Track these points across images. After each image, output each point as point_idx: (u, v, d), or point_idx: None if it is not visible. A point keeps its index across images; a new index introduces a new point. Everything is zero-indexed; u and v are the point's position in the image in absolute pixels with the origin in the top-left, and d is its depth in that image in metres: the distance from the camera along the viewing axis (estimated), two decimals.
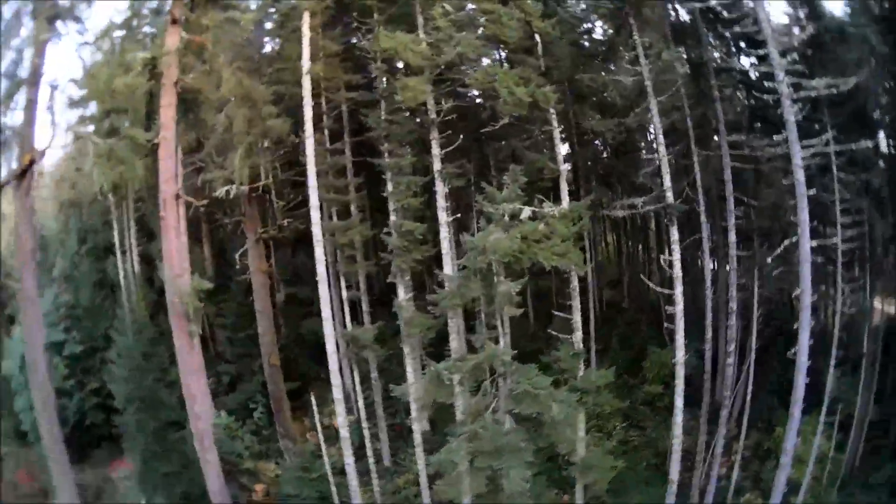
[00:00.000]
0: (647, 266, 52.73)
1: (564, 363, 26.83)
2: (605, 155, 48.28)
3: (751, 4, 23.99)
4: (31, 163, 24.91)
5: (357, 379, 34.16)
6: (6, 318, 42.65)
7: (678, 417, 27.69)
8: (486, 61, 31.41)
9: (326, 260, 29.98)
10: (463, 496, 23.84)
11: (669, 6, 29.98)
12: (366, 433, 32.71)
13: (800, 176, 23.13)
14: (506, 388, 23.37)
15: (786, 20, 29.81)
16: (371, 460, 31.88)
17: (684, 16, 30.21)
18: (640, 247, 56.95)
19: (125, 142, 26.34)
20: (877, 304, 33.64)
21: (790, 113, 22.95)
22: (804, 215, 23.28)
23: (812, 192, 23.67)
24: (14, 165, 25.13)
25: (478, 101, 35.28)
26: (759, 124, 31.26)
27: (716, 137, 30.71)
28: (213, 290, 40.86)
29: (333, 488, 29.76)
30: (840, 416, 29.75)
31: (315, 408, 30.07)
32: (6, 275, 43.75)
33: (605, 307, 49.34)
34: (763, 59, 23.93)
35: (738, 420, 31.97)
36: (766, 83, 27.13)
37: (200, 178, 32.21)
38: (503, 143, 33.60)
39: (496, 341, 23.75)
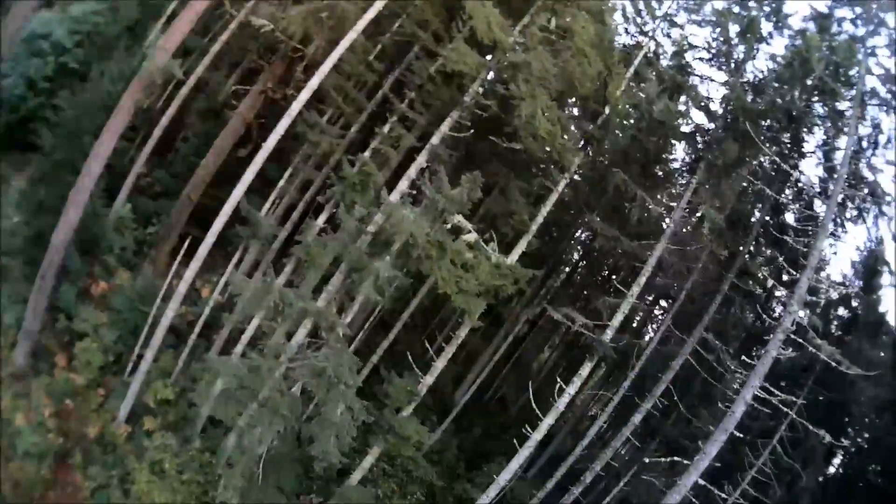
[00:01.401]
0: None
1: (394, 393, 23.65)
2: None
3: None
4: None
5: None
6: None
7: None
8: None
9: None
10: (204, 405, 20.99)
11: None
12: (207, 309, 29.37)
13: (738, 409, 21.02)
14: (312, 357, 20.36)
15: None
16: (195, 339, 28.79)
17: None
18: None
19: None
20: None
21: (775, 345, 21.02)
22: (712, 448, 21.01)
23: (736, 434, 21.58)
24: None
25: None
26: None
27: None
28: (212, 114, 39.41)
29: (147, 327, 27.18)
30: None
31: (181, 255, 27.78)
32: None
33: (497, 400, 46.29)
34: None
35: None
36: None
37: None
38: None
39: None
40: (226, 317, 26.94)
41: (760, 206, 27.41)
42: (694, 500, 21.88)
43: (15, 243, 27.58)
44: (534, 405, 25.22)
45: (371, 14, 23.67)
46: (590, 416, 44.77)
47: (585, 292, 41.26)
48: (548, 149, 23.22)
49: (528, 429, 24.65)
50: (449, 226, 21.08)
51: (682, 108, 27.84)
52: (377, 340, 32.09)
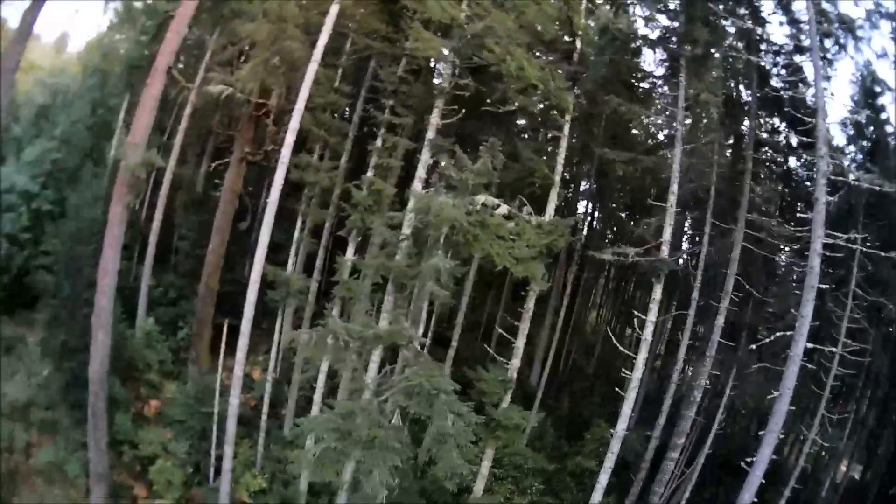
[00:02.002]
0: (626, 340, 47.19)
1: (487, 386, 22.03)
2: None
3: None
4: None
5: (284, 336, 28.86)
6: None
7: (597, 496, 22.93)
8: None
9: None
10: (305, 470, 19.18)
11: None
12: (267, 387, 28.00)
13: (815, 263, 19.01)
14: (402, 378, 18.72)
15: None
16: (265, 420, 27.54)
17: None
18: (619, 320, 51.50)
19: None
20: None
21: (822, 192, 19.05)
22: (808, 309, 18.97)
23: (824, 286, 19.97)
24: None
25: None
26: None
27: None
28: (195, 205, 37.85)
29: (214, 427, 25.85)
30: None
31: (223, 346, 26.22)
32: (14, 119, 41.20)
33: (571, 369, 43.86)
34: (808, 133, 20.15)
35: None
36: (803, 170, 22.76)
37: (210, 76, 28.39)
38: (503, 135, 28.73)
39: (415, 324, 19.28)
40: (295, 379, 25.39)
41: (748, 80, 26.13)
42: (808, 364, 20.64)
43: (53, 395, 26.09)
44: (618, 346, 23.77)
45: (323, 41, 22.57)
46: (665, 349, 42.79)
47: (615, 229, 39.50)
48: (539, 97, 22.01)
49: (626, 370, 23.01)
50: (479, 206, 19.71)
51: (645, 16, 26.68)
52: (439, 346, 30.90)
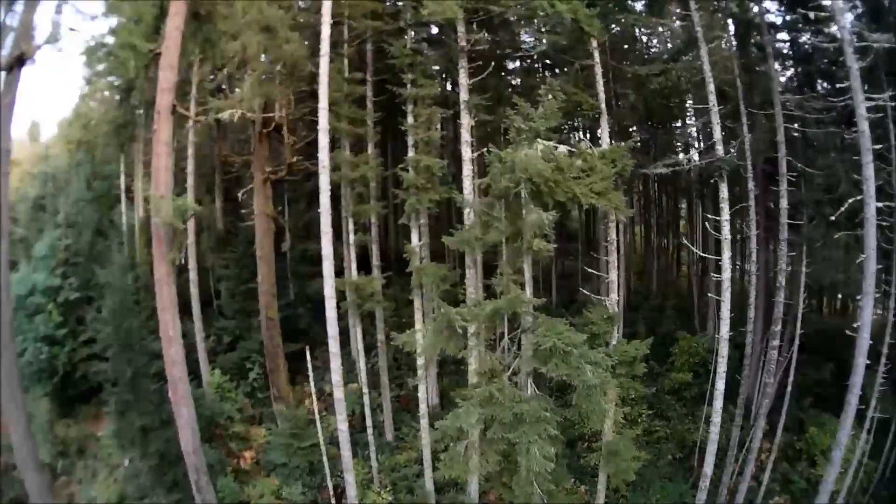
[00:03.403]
0: (678, 255, 45.25)
1: (598, 327, 19.84)
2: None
3: None
4: (21, 59, 19.23)
5: (360, 338, 26.79)
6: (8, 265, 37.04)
7: (718, 403, 21.14)
8: None
9: (338, 206, 23.91)
10: (470, 474, 17.00)
11: None
12: (366, 399, 25.74)
13: (864, 127, 18.07)
14: (529, 345, 16.43)
15: None
16: (371, 433, 25.17)
17: None
18: (669, 235, 48.54)
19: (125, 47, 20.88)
20: None
21: (853, 60, 18.04)
22: (869, 171, 18.13)
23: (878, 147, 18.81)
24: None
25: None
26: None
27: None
28: (222, 243, 35.77)
29: (325, 459, 23.38)
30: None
31: (311, 369, 23.61)
32: (12, 220, 38.15)
33: (632, 295, 40.71)
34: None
35: (767, 417, 24.60)
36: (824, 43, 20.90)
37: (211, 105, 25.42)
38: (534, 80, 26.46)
39: (521, 287, 16.89)
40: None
41: None
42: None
43: (144, 483, 23.59)
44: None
45: (327, 32, 20.05)
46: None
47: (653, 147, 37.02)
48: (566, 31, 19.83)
49: (716, 273, 21.09)
50: (555, 151, 17.47)
51: None
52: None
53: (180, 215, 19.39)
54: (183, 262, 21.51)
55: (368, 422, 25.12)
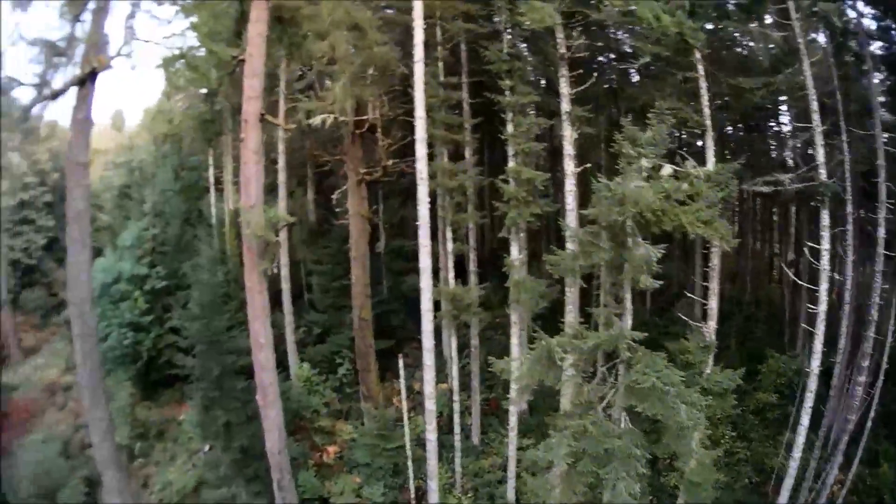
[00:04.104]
0: (772, 261, 43.37)
1: (693, 356, 19.38)
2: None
3: None
4: (93, 72, 18.68)
5: (454, 345, 26.58)
6: (93, 252, 37.97)
7: (801, 438, 20.38)
8: None
9: (434, 209, 23.34)
10: (551, 499, 16.66)
11: None
12: (456, 406, 25.50)
13: None
14: (626, 379, 15.98)
15: None
16: (457, 436, 24.96)
17: None
18: (763, 239, 46.42)
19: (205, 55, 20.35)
20: None
21: None
22: None
23: None
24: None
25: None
26: None
27: None
28: (314, 236, 35.82)
29: (410, 462, 23.45)
30: None
31: (402, 371, 23.54)
32: (97, 208, 39.01)
33: (724, 301, 39.87)
34: None
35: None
36: None
37: (301, 109, 25.20)
38: (637, 91, 25.40)
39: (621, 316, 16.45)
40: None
41: None
42: None
43: (224, 472, 23.82)
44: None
45: (420, 37, 19.42)
46: None
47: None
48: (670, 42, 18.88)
49: (811, 306, 20.12)
50: (664, 179, 16.80)
51: None
52: None
53: (271, 227, 18.93)
54: (276, 270, 21.32)
55: (456, 426, 24.90)
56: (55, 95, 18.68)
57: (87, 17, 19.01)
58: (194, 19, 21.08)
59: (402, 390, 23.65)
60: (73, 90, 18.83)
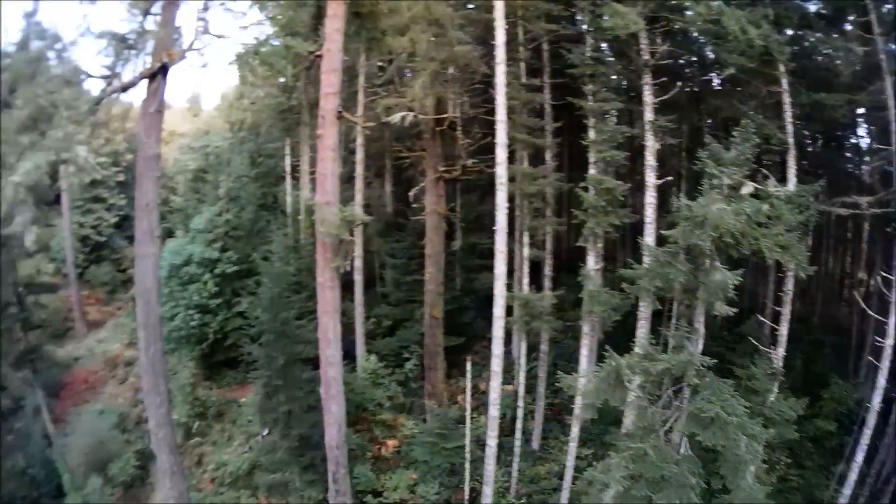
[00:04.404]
0: (842, 282, 41.46)
1: (759, 383, 19.06)
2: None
3: None
4: (164, 67, 18.65)
5: (524, 348, 26.15)
6: (165, 232, 38.80)
7: (853, 474, 20.05)
8: None
9: (512, 212, 22.99)
10: None
11: None
12: (520, 412, 25.30)
13: None
14: (691, 406, 15.67)
15: None
16: (518, 440, 24.83)
17: None
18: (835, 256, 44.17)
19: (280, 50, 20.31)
20: None
21: None
22: None
23: None
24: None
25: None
26: None
27: None
28: (390, 228, 35.87)
29: (467, 464, 23.34)
30: None
31: (469, 374, 23.61)
32: (171, 190, 39.95)
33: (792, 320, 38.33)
34: None
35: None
36: None
37: (380, 104, 25.34)
38: (721, 101, 24.53)
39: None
40: (540, 393, 23.66)
41: None
42: None
43: (280, 458, 24.20)
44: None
45: (502, 38, 19.29)
46: None
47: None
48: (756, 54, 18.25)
49: (879, 339, 19.31)
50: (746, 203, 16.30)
51: None
52: None
53: (346, 226, 18.86)
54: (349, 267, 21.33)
55: (518, 430, 24.80)
56: (125, 88, 18.68)
57: (156, 9, 18.72)
58: (270, 12, 21.18)
59: (467, 393, 23.67)
60: (143, 83, 18.73)
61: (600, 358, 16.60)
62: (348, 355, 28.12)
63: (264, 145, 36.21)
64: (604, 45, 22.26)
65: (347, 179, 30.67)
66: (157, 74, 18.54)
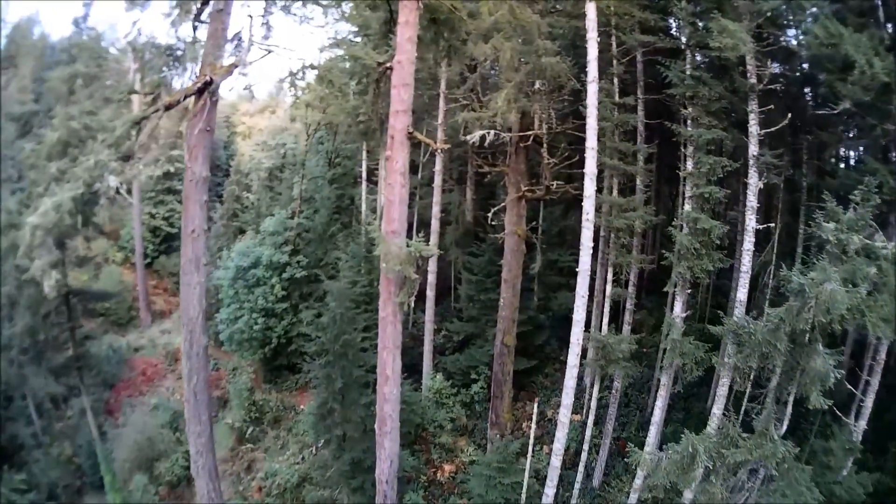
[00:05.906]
0: None
1: (835, 459, 17.21)
2: None
3: None
4: (210, 82, 17.22)
5: (598, 383, 24.30)
6: (236, 230, 38.92)
7: None
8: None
9: (596, 244, 21.80)
10: None
11: None
12: (587, 437, 24.01)
13: None
14: (763, 497, 14.20)
15: None
16: (579, 474, 23.55)
17: None
18: None
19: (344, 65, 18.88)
20: None
21: None
22: None
23: None
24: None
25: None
26: None
27: None
28: (468, 237, 34.70)
29: (523, 497, 22.03)
30: None
31: (536, 410, 22.55)
32: (245, 187, 39.86)
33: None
34: None
35: None
36: None
37: (460, 117, 23.78)
38: (828, 136, 22.16)
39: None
40: (607, 431, 22.62)
41: None
42: None
43: (332, 476, 23.51)
44: None
45: (594, 53, 17.78)
46: None
47: None
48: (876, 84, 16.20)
49: None
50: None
51: None
52: None
53: (412, 261, 17.16)
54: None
55: (581, 463, 23.55)
56: (168, 107, 17.11)
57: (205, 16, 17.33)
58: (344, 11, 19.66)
59: (531, 432, 22.39)
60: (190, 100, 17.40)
61: (669, 410, 15.17)
62: (415, 369, 27.64)
63: (341, 146, 35.50)
64: (698, 58, 20.14)
65: (427, 184, 29.43)
66: (205, 90, 17.23)
